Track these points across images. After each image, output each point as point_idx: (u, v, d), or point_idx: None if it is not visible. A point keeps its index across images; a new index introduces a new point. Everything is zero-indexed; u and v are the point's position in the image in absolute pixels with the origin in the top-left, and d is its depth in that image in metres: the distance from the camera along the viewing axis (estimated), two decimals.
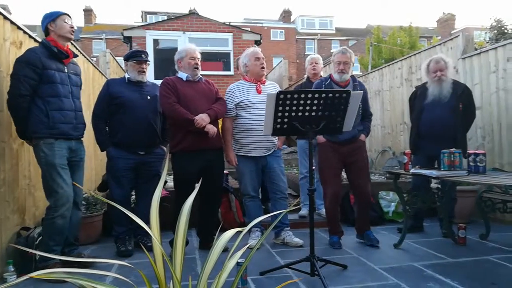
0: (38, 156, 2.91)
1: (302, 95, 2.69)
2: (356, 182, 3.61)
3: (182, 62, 3.46)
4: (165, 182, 4.28)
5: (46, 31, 3.00)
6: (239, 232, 1.49)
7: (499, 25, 16.10)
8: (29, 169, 3.35)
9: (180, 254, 1.25)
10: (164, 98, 3.31)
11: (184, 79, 3.43)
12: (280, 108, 2.72)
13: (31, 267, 2.86)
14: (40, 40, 3.54)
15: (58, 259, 2.91)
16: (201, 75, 3.54)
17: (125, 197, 3.51)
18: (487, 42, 15.78)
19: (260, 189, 3.89)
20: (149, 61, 3.64)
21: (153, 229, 1.23)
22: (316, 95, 2.71)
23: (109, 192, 3.60)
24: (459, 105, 3.76)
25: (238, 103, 3.55)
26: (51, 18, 2.96)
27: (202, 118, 3.25)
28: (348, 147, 3.54)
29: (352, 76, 3.69)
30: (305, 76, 4.85)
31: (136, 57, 3.54)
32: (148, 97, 3.53)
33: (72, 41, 3.27)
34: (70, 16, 3.04)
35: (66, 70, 3.03)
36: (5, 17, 3.00)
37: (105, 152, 3.56)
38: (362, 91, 3.11)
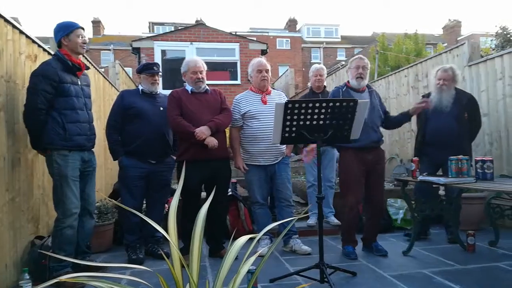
0: (51, 166, 2.96)
1: (310, 104, 2.74)
2: (373, 191, 3.55)
3: (186, 76, 3.55)
4: (174, 190, 4.34)
5: (59, 43, 3.05)
6: (250, 239, 1.52)
7: (505, 32, 16.12)
8: (43, 179, 3.43)
9: (196, 260, 1.30)
10: (168, 111, 3.43)
11: (189, 92, 3.51)
12: (288, 117, 2.76)
13: (45, 276, 2.91)
14: (53, 52, 3.64)
15: (70, 266, 2.96)
16: (208, 84, 3.61)
17: (137, 206, 3.57)
18: (493, 49, 15.78)
19: (268, 197, 3.93)
20: (161, 72, 3.74)
21: (171, 235, 1.28)
22: (324, 104, 2.76)
23: (120, 201, 3.66)
24: (463, 114, 3.80)
25: (244, 113, 3.62)
26: (65, 33, 3.00)
27: (202, 131, 3.30)
28: (373, 155, 3.51)
29: (367, 84, 3.70)
30: (309, 86, 4.83)
31: (148, 69, 3.64)
32: (161, 108, 3.61)
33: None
34: (83, 29, 3.10)
35: (79, 83, 3.10)
36: (21, 32, 3.10)
37: (115, 162, 3.64)
38: (368, 100, 3.15)
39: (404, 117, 3.78)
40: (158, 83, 3.71)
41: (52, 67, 2.92)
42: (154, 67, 3.67)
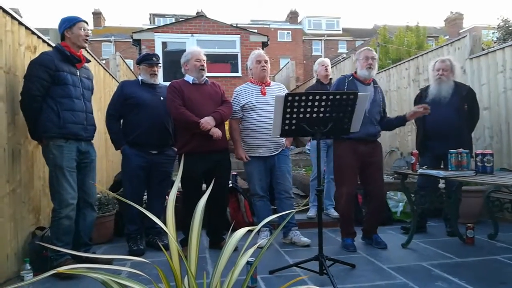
0: (47, 156, 2.98)
1: (310, 97, 2.73)
2: (372, 183, 3.55)
3: (188, 65, 3.54)
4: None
5: (62, 36, 3.08)
6: (249, 231, 1.53)
7: (507, 25, 16.03)
8: (44, 170, 3.43)
9: (195, 251, 1.30)
10: (170, 101, 3.39)
11: (191, 82, 3.50)
12: (288, 110, 2.76)
13: (46, 266, 2.93)
14: (53, 44, 3.64)
15: (69, 255, 2.95)
16: (208, 77, 3.63)
17: (138, 196, 3.58)
18: (495, 42, 15.71)
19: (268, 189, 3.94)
20: (160, 63, 3.73)
21: (169, 227, 1.29)
22: (324, 97, 2.75)
23: (122, 191, 3.68)
24: (463, 106, 3.80)
25: (244, 105, 3.63)
26: (69, 25, 3.03)
27: (207, 122, 3.30)
28: (368, 147, 3.49)
29: (374, 79, 3.68)
30: (315, 79, 4.89)
31: (147, 60, 3.64)
32: (161, 98, 3.61)
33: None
34: (87, 23, 3.13)
35: (78, 74, 3.11)
36: (20, 23, 3.08)
37: (116, 153, 3.64)
38: (368, 93, 3.14)
39: (399, 121, 3.73)
40: (157, 75, 3.70)
41: (49, 55, 2.95)
42: (153, 58, 3.66)
